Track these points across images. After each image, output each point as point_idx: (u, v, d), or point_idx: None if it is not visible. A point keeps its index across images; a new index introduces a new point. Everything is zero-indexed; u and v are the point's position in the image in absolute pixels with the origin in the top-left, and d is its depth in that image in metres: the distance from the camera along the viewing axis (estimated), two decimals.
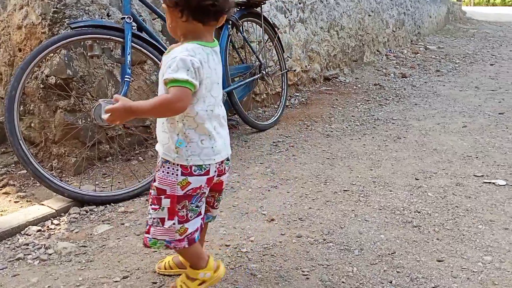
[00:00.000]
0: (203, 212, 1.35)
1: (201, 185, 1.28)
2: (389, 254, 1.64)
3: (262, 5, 3.21)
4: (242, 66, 3.25)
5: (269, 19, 3.57)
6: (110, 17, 2.52)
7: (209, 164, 1.27)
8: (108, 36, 2.10)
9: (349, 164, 2.62)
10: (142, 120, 2.79)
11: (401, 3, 7.21)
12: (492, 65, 6.25)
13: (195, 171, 1.26)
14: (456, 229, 1.82)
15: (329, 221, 1.91)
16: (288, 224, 1.89)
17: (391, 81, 5.20)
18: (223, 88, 2.84)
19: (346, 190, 2.24)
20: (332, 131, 3.32)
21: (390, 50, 6.74)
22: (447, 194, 2.17)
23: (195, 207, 1.30)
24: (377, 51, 6.35)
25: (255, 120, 3.28)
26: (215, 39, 1.29)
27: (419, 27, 8.32)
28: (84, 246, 1.74)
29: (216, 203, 1.45)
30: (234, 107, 2.98)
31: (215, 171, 1.30)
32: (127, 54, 2.09)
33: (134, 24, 2.20)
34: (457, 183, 2.30)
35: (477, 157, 2.70)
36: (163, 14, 2.53)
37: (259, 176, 2.43)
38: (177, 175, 1.25)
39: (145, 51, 2.21)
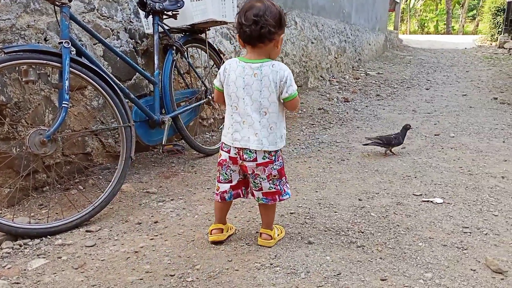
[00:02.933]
0: (234, 182, 1.83)
1: (225, 159, 1.79)
2: (334, 275, 1.65)
3: (207, 31, 3.24)
4: (188, 91, 3.23)
5: (214, 45, 3.60)
6: (47, 41, 2.44)
7: (229, 146, 1.75)
8: (45, 61, 2.02)
9: (295, 187, 2.65)
10: (82, 147, 2.68)
11: (341, 31, 7.55)
12: (428, 89, 6.65)
13: (223, 147, 1.80)
14: (398, 248, 1.87)
15: (276, 245, 1.90)
16: (235, 250, 1.86)
17: (334, 105, 5.38)
18: (168, 113, 2.82)
19: (292, 213, 2.25)
20: None
21: (333, 76, 7.00)
22: (388, 213, 2.24)
23: (225, 173, 1.82)
24: (321, 76, 6.58)
25: (202, 144, 3.26)
26: (260, 59, 1.68)
27: (360, 54, 8.73)
28: (17, 283, 1.61)
29: (252, 186, 1.82)
30: (180, 132, 2.95)
31: (236, 154, 1.75)
32: (65, 79, 2.02)
33: (72, 49, 2.14)
34: (397, 203, 2.38)
35: (415, 177, 2.82)
36: (103, 39, 2.48)
37: (206, 201, 2.40)
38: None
39: (85, 76, 2.14)
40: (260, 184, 1.79)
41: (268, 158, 1.74)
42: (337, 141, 3.77)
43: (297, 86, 5.96)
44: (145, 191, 2.55)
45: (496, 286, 1.59)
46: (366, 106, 5.38)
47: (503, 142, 3.73)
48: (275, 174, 1.78)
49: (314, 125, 4.38)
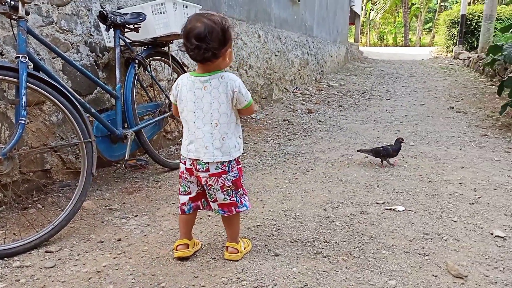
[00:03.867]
0: (192, 193, 1.85)
1: (183, 171, 1.82)
2: (301, 287, 1.65)
3: (170, 44, 3.23)
4: (151, 105, 3.20)
5: (177, 58, 3.58)
6: (3, 56, 2.36)
7: (185, 157, 1.78)
8: (0, 77, 1.95)
9: (261, 199, 2.65)
10: (41, 164, 2.59)
11: (304, 44, 7.69)
12: (388, 99, 6.85)
13: (181, 159, 1.82)
14: (362, 256, 1.90)
15: (243, 258, 1.89)
16: (201, 265, 1.84)
17: (298, 116, 5.46)
18: (131, 127, 2.78)
19: (259, 225, 2.25)
20: (244, 167, 3.36)
21: (296, 88, 7.10)
22: (353, 222, 2.28)
23: (184, 185, 1.85)
24: (285, 88, 6.66)
25: (167, 158, 3.22)
26: (209, 72, 1.70)
27: (322, 66, 8.91)
28: None
29: (208, 197, 1.84)
30: (143, 146, 2.90)
31: (191, 165, 1.78)
32: (21, 95, 1.95)
33: (30, 63, 2.07)
34: (361, 211, 2.43)
35: (378, 186, 2.89)
36: (62, 53, 2.43)
37: (171, 217, 2.36)
38: None
39: (43, 91, 2.08)
40: (215, 195, 1.80)
41: (221, 168, 1.75)
42: (302, 152, 3.82)
43: (262, 98, 5.98)
44: (107, 208, 2.49)
45: None
46: (329, 117, 5.48)
47: (460, 149, 3.89)
48: (229, 185, 1.79)
49: (279, 137, 4.41)
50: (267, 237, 2.11)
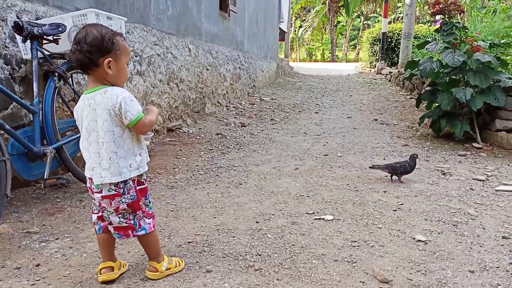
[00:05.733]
0: (100, 213, 1.74)
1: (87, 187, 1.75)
2: None
3: None
4: (74, 120, 3.02)
5: None
6: None
7: (86, 175, 1.71)
8: None
9: (193, 214, 2.60)
10: None
11: (235, 59, 7.76)
12: (317, 113, 7.07)
13: None
14: (293, 267, 1.92)
15: (172, 277, 1.83)
16: (128, 287, 1.75)
17: (232, 130, 5.46)
18: (50, 144, 2.62)
19: (190, 242, 2.19)
20: (176, 182, 3.29)
21: (230, 102, 7.13)
22: (284, 233, 2.30)
23: (93, 203, 1.76)
24: (218, 102, 6.65)
25: None
26: (95, 87, 1.64)
27: (254, 80, 9.04)
28: None
29: (105, 219, 1.74)
30: (65, 163, 2.74)
31: (90, 183, 1.70)
32: None
33: None
34: (292, 222, 2.46)
35: (308, 196, 2.95)
36: None
37: (96, 238, 2.22)
38: None
39: None
40: (109, 218, 1.72)
41: (115, 190, 1.66)
42: (235, 165, 3.81)
43: (195, 112, 5.91)
44: (25, 231, 2.30)
45: None
46: (262, 130, 5.55)
47: (384, 159, 4.09)
48: (125, 208, 1.69)
49: (213, 150, 4.38)
50: (199, 254, 2.06)
